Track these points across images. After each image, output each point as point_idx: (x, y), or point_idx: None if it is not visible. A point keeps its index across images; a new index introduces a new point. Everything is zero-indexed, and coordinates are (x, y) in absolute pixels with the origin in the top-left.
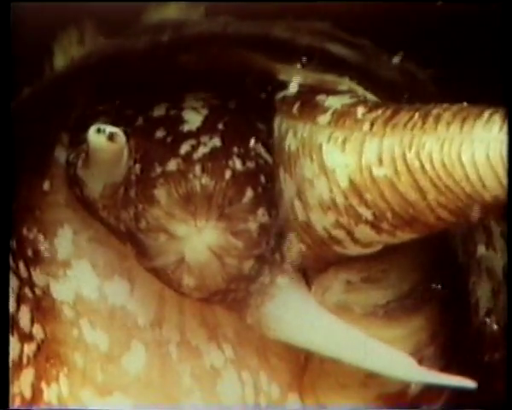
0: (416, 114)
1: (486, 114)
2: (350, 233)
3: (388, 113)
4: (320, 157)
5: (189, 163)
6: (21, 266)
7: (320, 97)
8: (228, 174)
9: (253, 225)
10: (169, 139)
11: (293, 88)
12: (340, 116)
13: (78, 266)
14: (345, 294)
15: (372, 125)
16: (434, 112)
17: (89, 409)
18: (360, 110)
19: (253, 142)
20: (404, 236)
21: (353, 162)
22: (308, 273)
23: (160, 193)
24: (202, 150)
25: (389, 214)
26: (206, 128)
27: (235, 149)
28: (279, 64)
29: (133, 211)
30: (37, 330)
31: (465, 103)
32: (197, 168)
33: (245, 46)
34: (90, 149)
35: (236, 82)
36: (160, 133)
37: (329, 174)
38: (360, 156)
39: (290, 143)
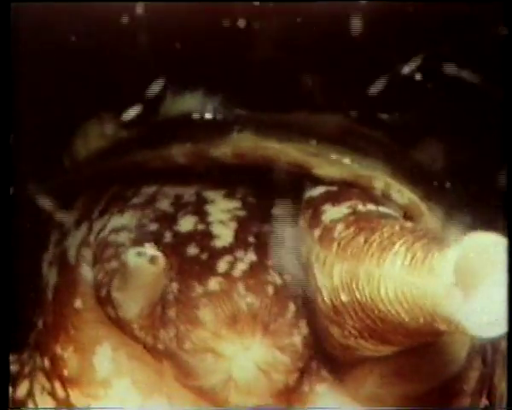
0: (374, 238)
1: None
2: (357, 342)
3: (354, 233)
4: (313, 275)
5: (230, 281)
6: (57, 386)
7: (325, 207)
8: (271, 290)
9: (297, 339)
10: (204, 256)
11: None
12: (325, 233)
13: (119, 385)
14: (379, 388)
15: (338, 246)
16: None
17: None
18: (338, 228)
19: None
20: (389, 349)
21: (329, 285)
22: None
23: (205, 314)
24: (241, 267)
25: (365, 333)
26: (239, 242)
27: (270, 262)
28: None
29: (174, 331)
30: None
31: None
32: (240, 287)
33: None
34: (128, 272)
35: (265, 179)
36: (192, 250)
37: (322, 291)
38: (332, 280)
39: (303, 252)
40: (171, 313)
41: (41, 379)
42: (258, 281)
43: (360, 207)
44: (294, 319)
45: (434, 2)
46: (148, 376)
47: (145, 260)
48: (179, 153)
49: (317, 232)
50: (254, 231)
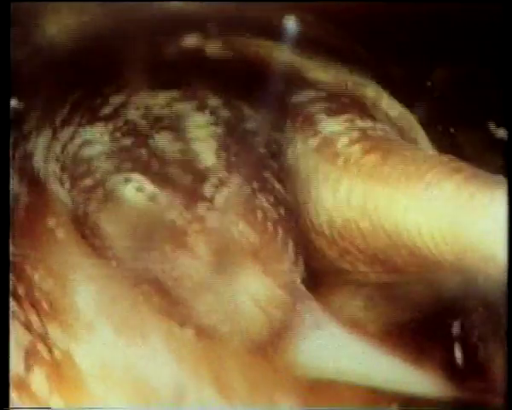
0: (395, 161)
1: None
2: (354, 266)
3: (363, 150)
4: (307, 186)
5: (220, 208)
6: (33, 318)
7: (320, 116)
8: (270, 227)
9: (297, 276)
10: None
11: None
12: (324, 144)
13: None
14: (361, 311)
15: (346, 161)
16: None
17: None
18: (342, 141)
19: (267, 174)
20: (393, 277)
21: (331, 200)
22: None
23: (196, 244)
24: (227, 190)
25: (360, 256)
26: (221, 163)
27: (255, 185)
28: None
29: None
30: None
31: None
32: (231, 215)
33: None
34: (123, 206)
35: (249, 81)
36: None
37: (314, 204)
38: (335, 194)
39: (291, 156)
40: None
41: (12, 305)
42: (248, 207)
43: (359, 121)
44: (283, 245)
45: None
46: (133, 320)
47: (144, 197)
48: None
49: (313, 142)
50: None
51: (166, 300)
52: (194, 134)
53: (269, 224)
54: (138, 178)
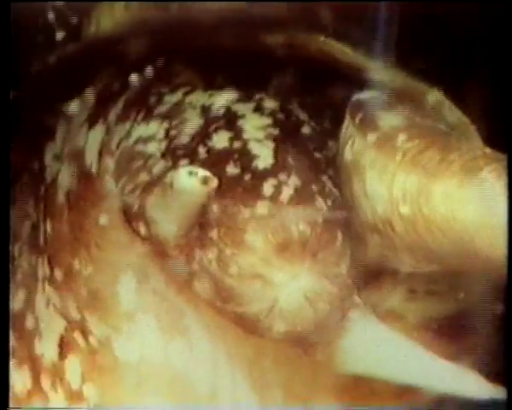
0: (453, 157)
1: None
2: (397, 255)
3: (422, 146)
4: (362, 180)
5: (280, 206)
6: (71, 305)
7: (380, 112)
8: (320, 218)
9: (344, 269)
10: (247, 177)
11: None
12: (384, 139)
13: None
14: (403, 302)
15: (404, 156)
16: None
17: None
18: (402, 136)
19: (325, 177)
20: (431, 267)
21: (386, 194)
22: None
23: (254, 239)
24: (287, 191)
25: (414, 248)
26: (280, 165)
27: (315, 187)
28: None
29: (216, 253)
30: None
31: None
32: (291, 213)
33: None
34: (175, 192)
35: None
36: (232, 169)
37: (370, 200)
38: (390, 189)
39: (348, 153)
40: (213, 234)
41: (48, 291)
42: (307, 207)
43: (418, 119)
44: (343, 248)
45: None
46: (173, 315)
47: (197, 181)
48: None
49: (371, 137)
50: (294, 150)
51: (213, 288)
52: (251, 135)
53: (326, 224)
54: (196, 170)
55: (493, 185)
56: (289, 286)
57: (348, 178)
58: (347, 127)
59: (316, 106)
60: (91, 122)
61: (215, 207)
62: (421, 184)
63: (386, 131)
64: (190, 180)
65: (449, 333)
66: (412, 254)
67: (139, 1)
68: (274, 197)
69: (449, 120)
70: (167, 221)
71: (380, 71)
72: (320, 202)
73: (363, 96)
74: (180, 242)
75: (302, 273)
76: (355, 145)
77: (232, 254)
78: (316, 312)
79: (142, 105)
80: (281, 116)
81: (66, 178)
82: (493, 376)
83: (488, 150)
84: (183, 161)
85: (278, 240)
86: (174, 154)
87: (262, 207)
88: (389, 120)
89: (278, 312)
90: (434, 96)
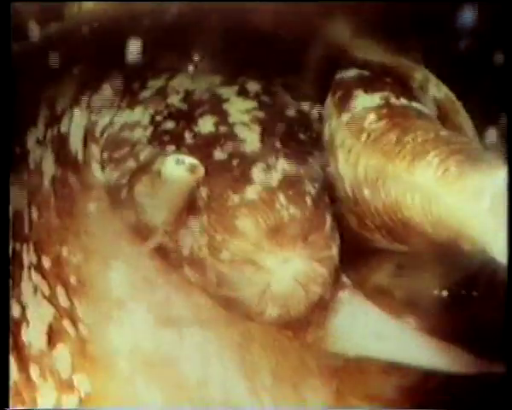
0: (407, 139)
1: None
2: (373, 235)
3: (385, 127)
4: (335, 160)
5: (269, 191)
6: (59, 291)
7: (357, 92)
8: (309, 201)
9: (334, 251)
10: (235, 162)
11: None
12: (354, 120)
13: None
14: (390, 278)
15: (368, 137)
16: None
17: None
18: (370, 117)
19: (311, 159)
20: (405, 248)
21: (352, 176)
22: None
23: (245, 224)
24: (276, 175)
25: (383, 230)
26: (267, 148)
27: (302, 171)
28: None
29: (206, 239)
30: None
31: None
32: (281, 197)
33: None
34: (163, 180)
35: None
36: (219, 154)
37: (343, 179)
38: (355, 171)
39: (326, 132)
40: (203, 220)
41: (35, 278)
42: (296, 191)
43: (393, 99)
44: (332, 231)
45: None
46: (163, 303)
47: (184, 169)
48: None
49: (345, 117)
50: (280, 134)
51: (204, 274)
52: (237, 119)
53: (315, 207)
54: (183, 158)
55: (436, 170)
56: (281, 270)
57: (327, 157)
58: (328, 106)
59: (300, 87)
60: (73, 108)
61: (204, 193)
62: (379, 166)
63: (358, 111)
64: (178, 169)
65: (438, 310)
66: (383, 235)
67: (135, 1)
68: (263, 182)
69: (436, 96)
70: (156, 208)
71: (367, 50)
72: (308, 185)
73: (347, 74)
74: (169, 228)
75: (293, 257)
76: (332, 124)
77: (223, 240)
78: (307, 295)
79: (125, 91)
80: (265, 99)
81: (50, 164)
82: (486, 351)
83: (444, 132)
84: (170, 147)
85: (269, 224)
86: (161, 140)
87: (251, 192)
88: (363, 100)
89: (270, 296)
90: (421, 73)
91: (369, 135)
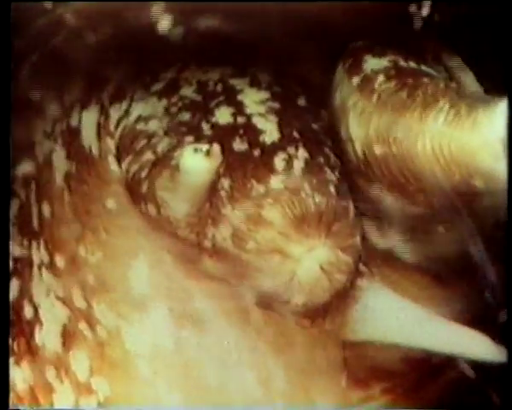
0: (418, 93)
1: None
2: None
3: (396, 87)
4: (346, 124)
5: (294, 180)
6: (75, 292)
7: (366, 57)
8: (332, 189)
9: (358, 239)
10: (256, 153)
11: None
12: (365, 82)
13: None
14: (401, 243)
15: (379, 97)
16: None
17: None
18: (379, 79)
19: (327, 149)
20: (415, 209)
21: (363, 135)
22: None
23: (272, 214)
24: (298, 164)
25: (394, 189)
26: (287, 138)
27: (322, 159)
28: None
29: (230, 230)
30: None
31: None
32: (306, 186)
33: None
34: (183, 172)
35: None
36: (239, 145)
37: (354, 141)
38: (367, 130)
39: (337, 99)
40: (226, 210)
41: (47, 278)
42: (319, 179)
43: (402, 62)
44: (356, 219)
45: None
46: (184, 301)
47: (202, 156)
48: None
49: (356, 80)
50: (296, 124)
51: (227, 265)
52: (253, 110)
53: (338, 195)
54: (201, 147)
55: (447, 115)
56: (307, 259)
57: (337, 125)
58: (339, 73)
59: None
60: (84, 102)
61: (226, 184)
62: (390, 122)
63: (369, 73)
64: (196, 157)
65: (447, 276)
66: (394, 197)
67: (135, 1)
68: (287, 171)
69: (448, 65)
70: (177, 201)
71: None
72: (329, 173)
73: (357, 44)
74: (191, 220)
75: (319, 245)
76: (343, 90)
77: (248, 230)
78: (331, 283)
79: (137, 84)
80: (277, 89)
81: (61, 160)
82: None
83: (453, 84)
84: (189, 138)
85: (295, 213)
86: (178, 131)
87: (276, 182)
88: (373, 63)
89: (296, 285)
90: (434, 43)
91: (379, 95)
